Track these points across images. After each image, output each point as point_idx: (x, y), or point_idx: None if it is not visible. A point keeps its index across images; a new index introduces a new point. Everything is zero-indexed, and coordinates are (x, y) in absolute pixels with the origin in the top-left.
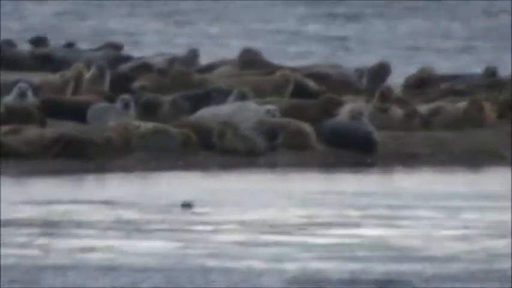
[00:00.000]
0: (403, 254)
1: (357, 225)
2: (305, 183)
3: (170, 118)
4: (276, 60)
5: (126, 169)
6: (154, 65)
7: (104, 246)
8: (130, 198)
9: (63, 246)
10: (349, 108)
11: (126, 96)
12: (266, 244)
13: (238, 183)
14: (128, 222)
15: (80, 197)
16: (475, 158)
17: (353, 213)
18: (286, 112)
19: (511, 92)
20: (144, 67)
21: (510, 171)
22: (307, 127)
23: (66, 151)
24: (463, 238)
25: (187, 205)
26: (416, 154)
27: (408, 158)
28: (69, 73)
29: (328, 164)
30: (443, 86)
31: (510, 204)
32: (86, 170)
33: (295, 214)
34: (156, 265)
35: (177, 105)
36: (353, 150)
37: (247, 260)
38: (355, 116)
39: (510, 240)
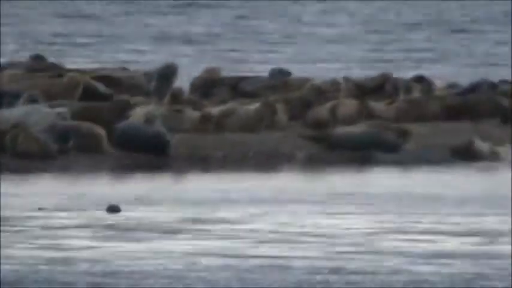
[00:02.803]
0: None
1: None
2: (98, 187)
3: None
4: None
5: None
6: None
7: None
8: None
9: None
10: (143, 111)
11: None
12: None
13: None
14: None
15: None
16: (268, 160)
17: None
18: (77, 115)
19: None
20: None
21: (302, 173)
22: (99, 130)
23: None
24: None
25: (114, 209)
26: (210, 157)
27: (201, 161)
28: None
29: (121, 167)
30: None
31: (300, 206)
32: None
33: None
34: None
35: None
36: (146, 153)
37: None
38: (150, 118)
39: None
